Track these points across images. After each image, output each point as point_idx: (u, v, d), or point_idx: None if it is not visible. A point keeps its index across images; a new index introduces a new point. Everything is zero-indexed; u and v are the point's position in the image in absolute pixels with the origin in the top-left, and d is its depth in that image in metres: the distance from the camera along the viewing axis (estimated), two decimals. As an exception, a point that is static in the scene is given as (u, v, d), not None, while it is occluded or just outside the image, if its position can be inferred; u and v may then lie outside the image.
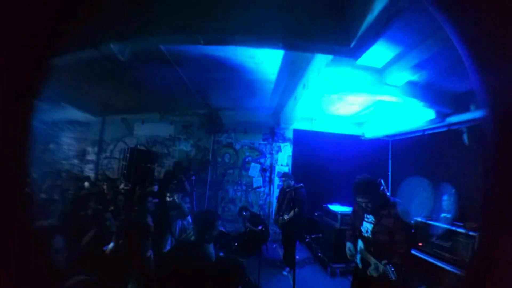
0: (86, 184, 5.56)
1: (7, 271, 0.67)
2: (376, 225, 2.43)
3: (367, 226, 2.52)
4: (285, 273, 4.60)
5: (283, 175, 4.94)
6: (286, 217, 4.46)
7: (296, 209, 4.28)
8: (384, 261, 2.24)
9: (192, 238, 2.36)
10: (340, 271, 4.59)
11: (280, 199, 4.96)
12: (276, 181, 7.18)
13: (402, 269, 2.20)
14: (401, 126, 5.53)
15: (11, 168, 0.70)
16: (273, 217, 4.97)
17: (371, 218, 2.50)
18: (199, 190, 7.04)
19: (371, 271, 2.32)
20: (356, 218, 2.69)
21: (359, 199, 2.47)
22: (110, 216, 2.81)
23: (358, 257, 2.53)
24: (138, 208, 3.53)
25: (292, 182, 4.72)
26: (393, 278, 2.12)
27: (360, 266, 2.50)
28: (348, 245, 2.65)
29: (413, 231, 3.90)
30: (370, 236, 2.46)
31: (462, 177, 4.16)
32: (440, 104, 4.26)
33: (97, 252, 2.18)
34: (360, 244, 2.53)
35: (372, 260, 2.35)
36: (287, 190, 4.54)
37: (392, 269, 2.15)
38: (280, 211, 4.79)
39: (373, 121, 6.59)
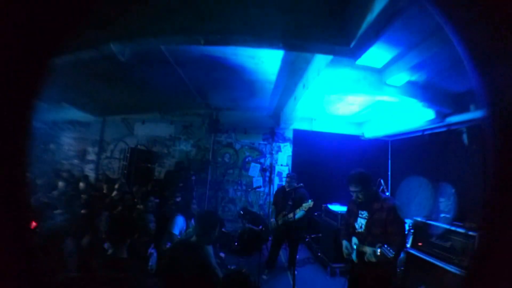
0: (81, 185, 5.53)
1: (7, 273, 0.67)
2: (369, 219, 2.56)
3: (361, 222, 2.63)
4: (264, 277, 4.40)
5: (290, 176, 4.82)
6: (291, 215, 4.34)
7: (307, 204, 4.26)
8: (378, 244, 2.36)
9: (193, 238, 2.36)
10: (340, 270, 4.58)
11: (279, 200, 4.74)
12: (276, 181, 7.18)
13: (394, 257, 2.32)
14: (401, 126, 5.53)
15: (11, 168, 0.70)
16: (272, 219, 4.80)
17: (365, 213, 2.62)
18: (199, 190, 7.04)
19: (368, 257, 2.44)
20: (350, 216, 2.81)
21: (351, 189, 2.62)
22: (104, 219, 2.78)
23: (354, 253, 2.63)
24: (141, 206, 3.52)
25: (295, 184, 4.67)
26: (391, 255, 2.27)
27: (356, 261, 2.61)
28: (345, 243, 2.75)
29: (409, 228, 3.96)
30: (364, 230, 2.58)
31: (462, 177, 4.16)
32: (440, 104, 4.26)
33: (94, 255, 2.16)
34: (355, 240, 2.64)
35: (367, 248, 2.47)
36: (287, 190, 4.48)
37: (389, 248, 2.29)
38: (280, 212, 4.59)
39: (373, 121, 6.59)
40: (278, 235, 4.59)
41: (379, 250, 2.33)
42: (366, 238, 2.54)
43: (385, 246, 2.31)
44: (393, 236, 2.39)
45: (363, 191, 2.57)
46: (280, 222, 4.47)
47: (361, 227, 2.62)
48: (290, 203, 4.23)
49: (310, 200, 4.26)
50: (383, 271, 2.47)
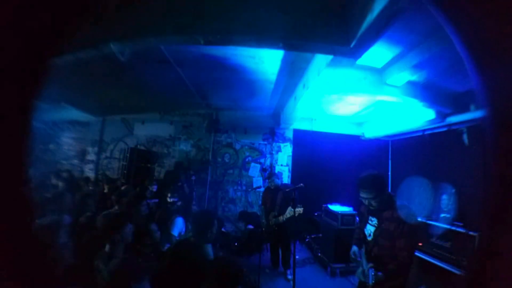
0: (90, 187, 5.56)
1: (8, 272, 0.67)
2: (377, 228, 2.30)
3: (370, 230, 2.38)
4: (290, 277, 4.31)
5: (269, 176, 4.66)
6: (284, 217, 4.26)
7: (298, 209, 4.20)
8: (369, 265, 2.16)
9: (191, 238, 2.36)
10: (340, 271, 4.58)
11: (268, 200, 4.65)
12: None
13: (394, 275, 2.10)
14: (401, 126, 5.53)
15: (11, 168, 0.70)
16: (263, 220, 4.71)
17: (374, 221, 2.36)
18: (199, 190, 7.04)
19: (358, 275, 2.31)
20: (361, 221, 2.59)
21: (363, 195, 2.29)
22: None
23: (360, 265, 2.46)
24: (133, 211, 3.45)
25: (279, 182, 4.66)
26: (369, 283, 2.07)
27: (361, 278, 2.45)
28: (353, 248, 2.52)
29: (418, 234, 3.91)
30: (372, 240, 2.34)
31: (462, 177, 4.16)
32: (440, 104, 4.26)
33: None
34: (363, 249, 2.46)
35: (364, 264, 2.28)
36: (287, 190, 4.44)
37: (372, 273, 2.08)
38: (271, 212, 4.52)
39: (373, 121, 6.59)
40: (271, 235, 4.58)
41: (366, 272, 2.16)
42: (372, 248, 2.31)
43: (372, 270, 2.11)
44: (399, 251, 2.11)
45: (377, 198, 2.23)
46: (271, 222, 4.45)
47: (369, 235, 2.37)
48: (279, 203, 4.23)
49: (300, 206, 4.12)
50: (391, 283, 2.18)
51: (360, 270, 2.31)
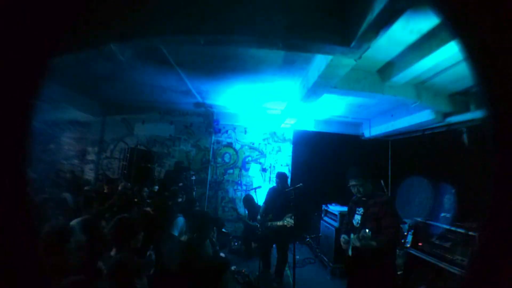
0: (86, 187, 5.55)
1: (7, 271, 0.67)
2: (364, 214, 2.70)
3: (357, 218, 2.78)
4: (275, 284, 4.17)
5: (279, 177, 4.47)
6: (289, 220, 4.01)
7: (289, 220, 3.98)
8: (362, 230, 2.50)
9: (184, 237, 2.38)
10: (340, 271, 4.58)
11: (269, 200, 4.44)
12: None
13: (384, 244, 2.46)
14: (401, 126, 5.52)
15: (12, 168, 0.70)
16: (260, 220, 4.43)
17: (361, 210, 2.76)
18: (199, 190, 7.04)
19: (354, 242, 2.58)
20: (349, 214, 2.96)
21: (352, 182, 2.76)
22: (103, 225, 2.73)
23: (350, 247, 2.76)
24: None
25: (288, 185, 4.40)
26: (367, 234, 2.42)
27: (350, 254, 2.76)
28: (342, 235, 2.89)
29: (408, 228, 3.98)
30: (359, 225, 2.70)
31: (462, 177, 4.16)
32: (440, 104, 4.26)
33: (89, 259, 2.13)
34: (352, 236, 2.74)
35: (356, 238, 2.61)
36: (286, 190, 4.31)
37: (367, 230, 2.44)
38: (270, 213, 4.28)
39: (373, 121, 6.59)
40: (265, 237, 4.34)
41: (361, 235, 2.48)
42: (360, 232, 2.62)
43: (365, 230, 2.45)
44: (385, 229, 2.50)
45: (363, 185, 2.71)
46: (264, 225, 4.26)
47: (357, 223, 2.75)
48: (278, 206, 4.10)
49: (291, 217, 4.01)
50: (378, 263, 2.53)
51: (355, 236, 2.57)
